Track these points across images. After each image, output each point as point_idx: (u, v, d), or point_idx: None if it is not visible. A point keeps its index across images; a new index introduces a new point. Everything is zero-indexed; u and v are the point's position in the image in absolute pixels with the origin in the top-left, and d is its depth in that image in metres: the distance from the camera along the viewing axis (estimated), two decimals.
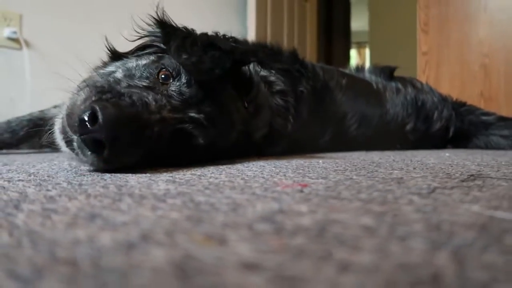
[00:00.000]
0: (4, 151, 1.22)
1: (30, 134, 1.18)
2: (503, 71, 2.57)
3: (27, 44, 1.93)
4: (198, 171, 0.68)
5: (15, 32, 1.88)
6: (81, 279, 0.19)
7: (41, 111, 1.25)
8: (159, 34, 0.92)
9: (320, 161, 0.92)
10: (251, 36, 2.90)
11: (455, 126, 1.75)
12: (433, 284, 0.18)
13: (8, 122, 1.20)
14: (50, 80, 2.02)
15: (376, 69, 1.81)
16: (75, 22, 2.10)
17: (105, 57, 0.98)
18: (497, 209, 0.36)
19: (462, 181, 0.57)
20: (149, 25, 0.92)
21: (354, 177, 0.61)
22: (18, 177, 0.60)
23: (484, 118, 1.75)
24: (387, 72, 1.79)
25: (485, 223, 0.30)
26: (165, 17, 0.91)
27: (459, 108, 1.80)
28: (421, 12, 2.81)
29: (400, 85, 1.70)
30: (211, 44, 0.84)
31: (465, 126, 1.75)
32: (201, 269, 0.20)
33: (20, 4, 1.91)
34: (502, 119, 1.75)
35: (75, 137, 0.65)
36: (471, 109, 1.81)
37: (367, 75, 1.78)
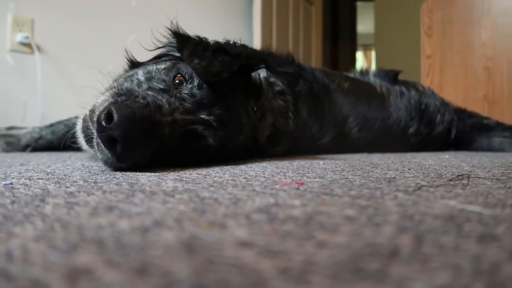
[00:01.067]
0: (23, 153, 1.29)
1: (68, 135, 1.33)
2: (507, 74, 2.59)
3: (39, 48, 2.00)
4: (204, 171, 0.73)
5: (27, 37, 1.94)
6: (107, 251, 0.23)
7: (76, 117, 1.39)
8: (174, 44, 0.98)
9: (321, 162, 0.96)
10: (256, 39, 2.95)
11: (457, 129, 1.78)
12: (389, 256, 0.22)
13: (51, 125, 1.41)
14: (61, 84, 2.09)
15: (381, 72, 1.84)
16: (86, 27, 2.16)
17: (120, 65, 1.04)
18: (471, 204, 0.40)
19: (450, 180, 0.61)
20: (165, 36, 0.99)
21: (350, 176, 0.65)
22: (37, 175, 0.65)
23: (485, 122, 1.78)
24: (392, 76, 1.83)
25: (453, 214, 0.34)
26: (179, 29, 0.98)
27: (461, 114, 1.83)
28: (424, 16, 2.84)
29: (404, 89, 1.74)
30: (221, 49, 0.90)
31: (467, 129, 1.78)
32: (204, 246, 0.24)
33: (32, 10, 1.98)
34: (502, 124, 1.78)
35: (95, 134, 0.71)
36: (472, 114, 1.84)
37: (371, 79, 1.81)
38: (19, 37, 1.93)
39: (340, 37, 5.37)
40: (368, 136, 1.50)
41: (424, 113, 1.70)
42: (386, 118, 1.59)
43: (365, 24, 6.31)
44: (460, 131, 1.78)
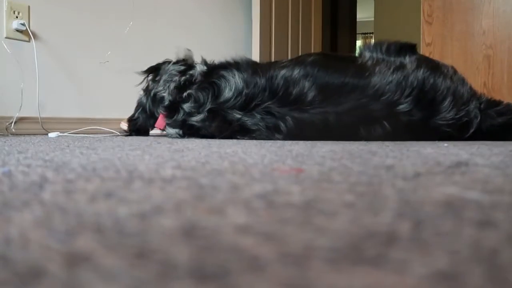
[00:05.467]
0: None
1: None
2: (507, 62, 2.58)
3: (36, 35, 1.97)
4: (203, 159, 0.73)
5: (23, 24, 1.92)
6: (106, 236, 0.23)
7: None
8: None
9: (321, 150, 0.96)
10: (255, 27, 2.92)
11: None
12: (388, 241, 0.22)
13: None
14: (59, 72, 2.07)
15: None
16: (83, 13, 2.14)
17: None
18: (469, 190, 0.40)
19: (449, 167, 0.61)
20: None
21: (349, 164, 0.65)
22: (36, 163, 0.65)
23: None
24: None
25: (452, 201, 0.34)
26: None
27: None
28: (425, 3, 2.81)
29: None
30: None
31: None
32: (203, 231, 0.24)
33: None
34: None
35: None
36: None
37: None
38: (15, 24, 1.91)
39: (339, 24, 5.32)
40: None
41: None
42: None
43: (365, 12, 6.25)
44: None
